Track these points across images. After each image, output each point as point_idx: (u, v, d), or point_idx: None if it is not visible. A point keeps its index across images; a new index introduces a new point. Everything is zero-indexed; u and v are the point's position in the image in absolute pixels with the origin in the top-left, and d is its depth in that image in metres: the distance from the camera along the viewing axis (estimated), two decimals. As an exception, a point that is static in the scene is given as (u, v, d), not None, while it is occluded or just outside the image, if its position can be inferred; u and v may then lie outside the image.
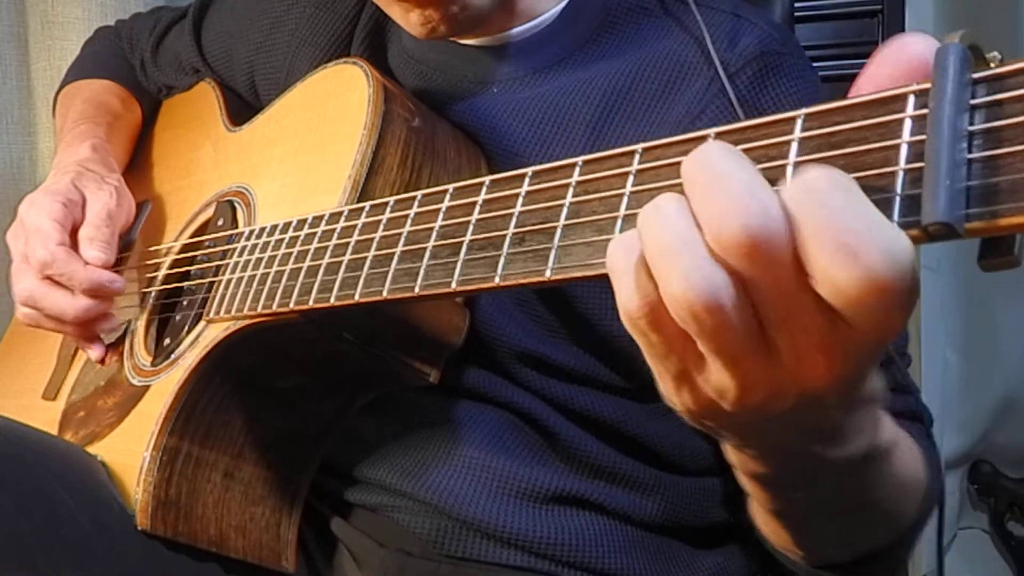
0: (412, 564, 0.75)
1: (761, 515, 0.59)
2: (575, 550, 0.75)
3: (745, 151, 0.40)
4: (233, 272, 0.74)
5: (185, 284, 0.81)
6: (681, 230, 0.36)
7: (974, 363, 1.49)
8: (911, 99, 0.36)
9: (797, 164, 0.38)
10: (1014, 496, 1.48)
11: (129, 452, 0.72)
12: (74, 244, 0.82)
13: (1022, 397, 1.48)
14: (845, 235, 0.33)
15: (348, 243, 0.61)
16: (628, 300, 0.39)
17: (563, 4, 0.79)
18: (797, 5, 1.28)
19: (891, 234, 0.33)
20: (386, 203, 0.59)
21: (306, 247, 0.65)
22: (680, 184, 0.39)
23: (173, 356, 0.77)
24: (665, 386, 0.43)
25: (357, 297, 0.57)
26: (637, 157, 0.44)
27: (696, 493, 0.80)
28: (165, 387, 0.74)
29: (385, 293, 0.55)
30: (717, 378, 0.40)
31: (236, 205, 0.82)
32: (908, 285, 0.33)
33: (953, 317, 1.46)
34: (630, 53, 0.77)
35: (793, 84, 0.74)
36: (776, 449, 0.47)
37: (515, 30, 0.79)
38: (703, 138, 0.42)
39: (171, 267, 0.86)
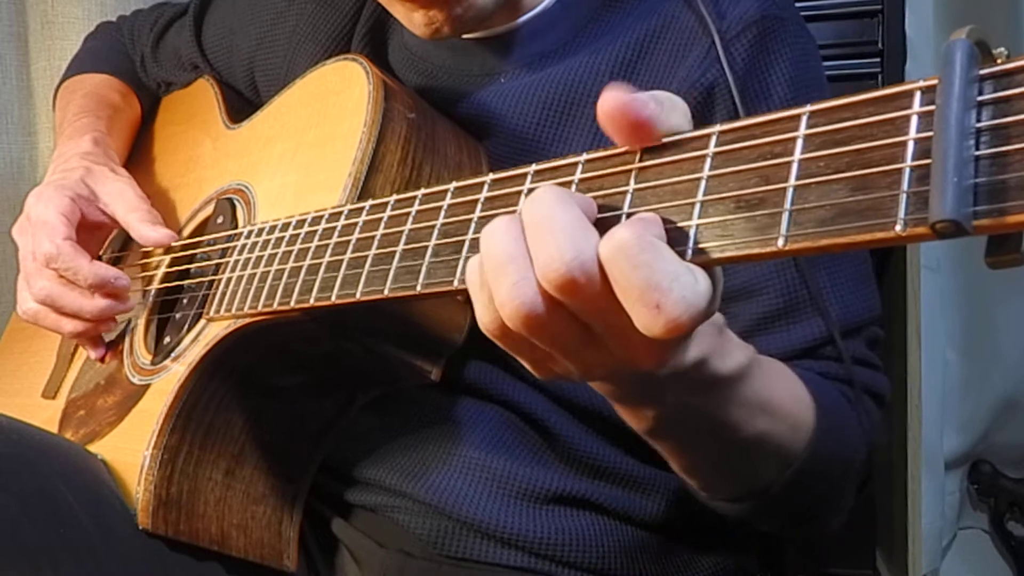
0: (412, 565, 0.75)
1: (653, 446, 0.62)
2: (575, 550, 0.75)
3: (750, 148, 0.40)
4: (233, 270, 0.73)
5: (185, 282, 0.81)
6: (508, 248, 0.42)
7: (974, 363, 1.48)
8: (917, 95, 0.35)
9: (802, 161, 0.38)
10: (1014, 496, 1.47)
11: (130, 451, 0.72)
12: (80, 239, 0.82)
13: (1022, 397, 1.47)
14: (650, 293, 0.39)
15: (349, 241, 0.60)
16: (480, 314, 0.46)
17: None
18: (797, 5, 1.28)
19: (688, 285, 0.39)
20: (387, 201, 0.59)
21: (307, 245, 0.65)
22: (681, 183, 0.42)
23: (173, 355, 0.77)
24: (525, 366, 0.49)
25: (358, 295, 0.57)
26: (639, 155, 0.44)
27: (696, 492, 0.80)
28: (165, 386, 0.73)
29: (387, 291, 0.55)
30: (562, 365, 0.47)
31: (236, 203, 0.82)
32: (703, 315, 0.40)
33: (953, 317, 1.46)
34: (634, 25, 0.77)
35: (791, 50, 0.74)
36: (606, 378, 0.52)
37: (518, 21, 0.79)
38: (707, 136, 0.42)
39: (171, 265, 0.86)
